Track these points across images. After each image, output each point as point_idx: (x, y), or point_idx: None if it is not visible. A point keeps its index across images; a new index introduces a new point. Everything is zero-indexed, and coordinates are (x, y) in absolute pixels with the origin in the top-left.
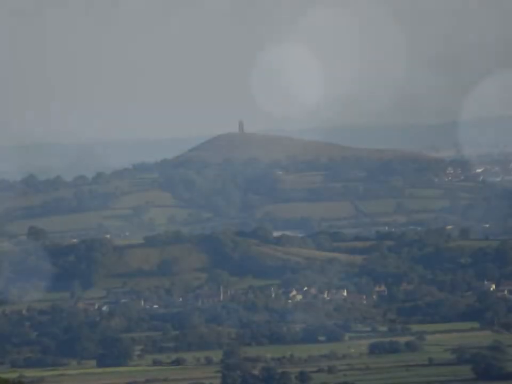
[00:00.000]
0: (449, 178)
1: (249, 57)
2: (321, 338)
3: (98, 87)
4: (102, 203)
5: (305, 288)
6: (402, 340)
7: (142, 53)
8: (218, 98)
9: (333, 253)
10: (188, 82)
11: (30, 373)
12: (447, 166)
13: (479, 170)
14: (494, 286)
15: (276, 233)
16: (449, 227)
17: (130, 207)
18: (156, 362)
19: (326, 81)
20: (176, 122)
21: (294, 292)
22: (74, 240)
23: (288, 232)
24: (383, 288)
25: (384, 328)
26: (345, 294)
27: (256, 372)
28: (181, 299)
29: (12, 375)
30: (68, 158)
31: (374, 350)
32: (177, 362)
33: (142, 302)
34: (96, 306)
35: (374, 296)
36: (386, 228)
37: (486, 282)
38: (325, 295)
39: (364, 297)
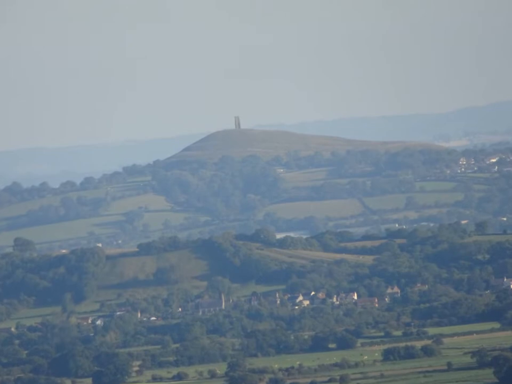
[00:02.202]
0: (462, 169)
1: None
2: (332, 345)
3: (84, 88)
4: (91, 210)
5: (313, 293)
6: (419, 344)
7: (137, 52)
8: (212, 94)
9: (340, 254)
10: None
11: None
12: (459, 157)
13: (493, 160)
14: None
15: (279, 235)
16: (464, 222)
17: (122, 213)
18: (155, 378)
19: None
20: (170, 121)
21: (300, 297)
22: (64, 251)
23: (291, 234)
24: (395, 289)
25: (398, 333)
26: (355, 297)
27: None
28: (180, 309)
29: None
30: (53, 163)
31: (389, 356)
32: (179, 377)
33: (139, 314)
34: (90, 321)
35: (387, 299)
36: (397, 225)
37: (505, 279)
38: (334, 300)
39: (376, 300)
